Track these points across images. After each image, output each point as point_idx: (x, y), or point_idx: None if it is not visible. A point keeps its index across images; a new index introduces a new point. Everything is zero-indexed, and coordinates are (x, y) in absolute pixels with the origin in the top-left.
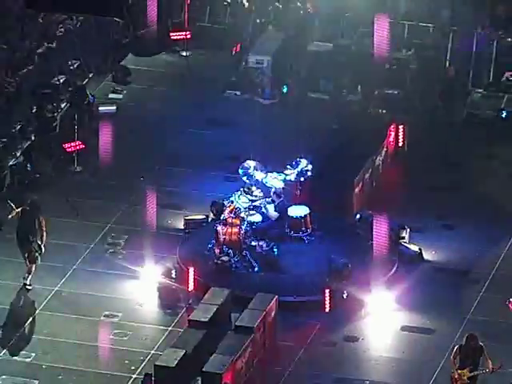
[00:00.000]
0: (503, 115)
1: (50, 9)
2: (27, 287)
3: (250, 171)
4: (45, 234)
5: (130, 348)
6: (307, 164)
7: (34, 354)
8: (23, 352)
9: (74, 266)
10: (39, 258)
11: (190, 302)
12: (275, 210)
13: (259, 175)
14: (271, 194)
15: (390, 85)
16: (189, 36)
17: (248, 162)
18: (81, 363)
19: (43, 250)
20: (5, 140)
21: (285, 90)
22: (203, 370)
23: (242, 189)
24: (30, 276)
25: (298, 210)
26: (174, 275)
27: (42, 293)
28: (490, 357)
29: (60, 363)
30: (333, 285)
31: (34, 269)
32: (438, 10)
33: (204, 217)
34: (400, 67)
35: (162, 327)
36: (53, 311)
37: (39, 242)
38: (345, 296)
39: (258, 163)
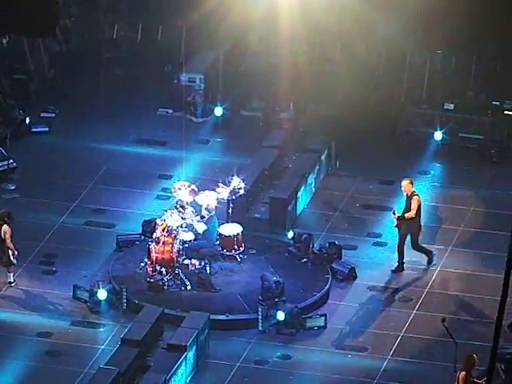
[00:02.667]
0: (438, 138)
1: None
2: (11, 285)
3: (182, 190)
4: (10, 244)
5: (62, 367)
6: (240, 182)
7: None
8: None
9: (6, 285)
10: (13, 259)
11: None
12: (205, 228)
13: (191, 194)
14: (202, 211)
15: (323, 102)
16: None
17: (180, 181)
18: (12, 382)
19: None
20: None
21: (220, 111)
22: None
23: (174, 207)
24: (12, 273)
25: (230, 229)
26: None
27: None
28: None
29: None
30: (266, 303)
31: (12, 269)
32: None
33: (137, 235)
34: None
35: (94, 346)
36: None
37: (7, 254)
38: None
39: (190, 182)
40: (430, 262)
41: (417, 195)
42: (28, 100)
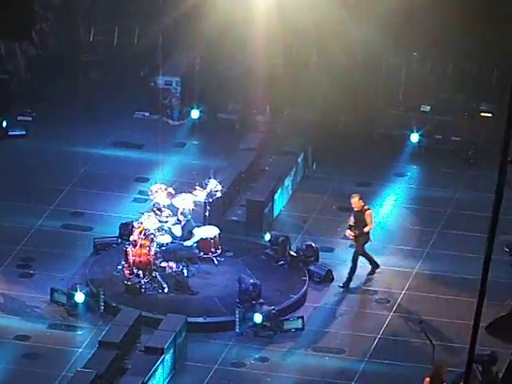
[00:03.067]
0: (414, 140)
1: None
2: None
3: (158, 193)
4: None
5: (40, 370)
6: (216, 185)
7: None
8: None
9: None
10: None
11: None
12: (182, 231)
13: (168, 196)
14: (178, 214)
15: (300, 105)
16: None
17: (157, 183)
18: None
19: None
20: None
21: (197, 114)
22: None
23: (151, 210)
24: None
25: (207, 231)
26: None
27: None
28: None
29: None
30: (243, 305)
31: None
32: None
33: (114, 238)
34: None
35: (72, 348)
36: None
37: None
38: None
39: (166, 185)
40: (373, 271)
41: (369, 209)
42: (5, 103)
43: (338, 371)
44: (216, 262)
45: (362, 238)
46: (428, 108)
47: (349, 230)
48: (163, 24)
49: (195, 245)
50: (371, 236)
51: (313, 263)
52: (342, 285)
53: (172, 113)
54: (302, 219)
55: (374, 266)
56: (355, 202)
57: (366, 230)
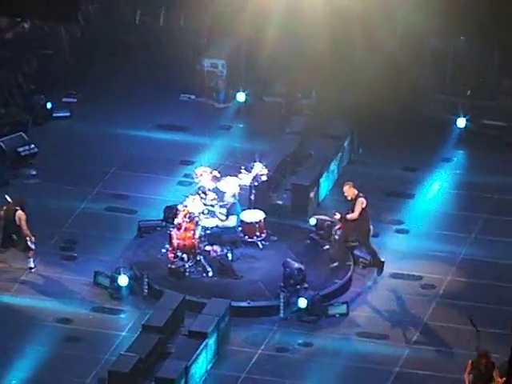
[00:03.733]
0: (461, 125)
1: (5, 13)
2: (32, 270)
3: (203, 176)
4: (26, 230)
5: (83, 353)
6: (262, 168)
7: None
8: None
9: (27, 271)
10: (30, 244)
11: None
12: (227, 215)
13: (213, 180)
14: (224, 197)
15: (345, 89)
16: None
17: (202, 166)
18: (33, 370)
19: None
20: None
21: (243, 97)
22: (157, 375)
23: (196, 193)
24: (31, 259)
25: (252, 215)
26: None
27: None
28: (499, 373)
29: (11, 369)
30: (287, 290)
31: (31, 254)
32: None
33: (158, 221)
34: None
35: (115, 332)
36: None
37: (24, 240)
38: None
39: (211, 168)
40: (373, 263)
41: (361, 197)
42: (49, 85)
43: (381, 357)
44: (261, 247)
45: (349, 226)
46: (473, 92)
47: (334, 214)
48: (209, 7)
49: (239, 228)
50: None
51: (358, 248)
52: (376, 273)
53: (218, 95)
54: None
55: (375, 259)
56: (346, 190)
57: (348, 216)
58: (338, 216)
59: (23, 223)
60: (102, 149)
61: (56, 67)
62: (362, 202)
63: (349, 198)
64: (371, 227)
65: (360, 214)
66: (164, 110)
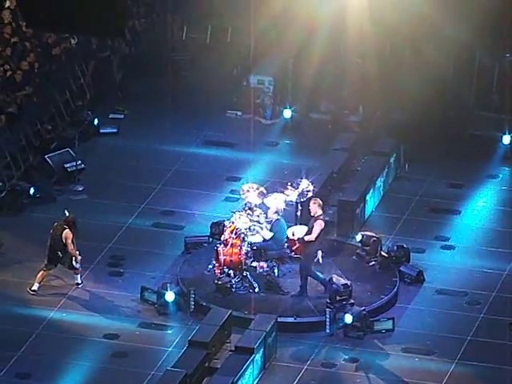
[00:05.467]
0: (506, 142)
1: (53, 28)
2: (79, 286)
3: (250, 192)
4: (71, 249)
5: (129, 369)
6: (308, 184)
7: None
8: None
9: (74, 287)
10: (75, 264)
11: None
12: (271, 230)
13: (259, 196)
14: (270, 214)
15: (392, 105)
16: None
17: (249, 183)
18: (79, 383)
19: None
20: (6, 160)
21: (289, 114)
22: None
23: (242, 209)
24: (79, 275)
25: (298, 231)
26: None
27: (42, 313)
28: None
29: (58, 383)
30: (333, 306)
31: (78, 271)
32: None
33: (204, 237)
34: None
35: (161, 348)
36: (53, 331)
37: (70, 258)
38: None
39: (258, 184)
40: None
41: (321, 219)
42: (97, 101)
43: (427, 372)
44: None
45: (308, 249)
46: None
47: (292, 235)
48: (256, 23)
49: (286, 245)
50: (319, 253)
51: (404, 264)
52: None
53: (264, 112)
54: (394, 220)
55: (325, 285)
56: (311, 205)
57: (306, 238)
58: (294, 236)
59: (69, 242)
60: (148, 165)
61: (104, 83)
62: (320, 225)
63: (312, 214)
64: (319, 253)
65: (318, 236)
66: (211, 126)
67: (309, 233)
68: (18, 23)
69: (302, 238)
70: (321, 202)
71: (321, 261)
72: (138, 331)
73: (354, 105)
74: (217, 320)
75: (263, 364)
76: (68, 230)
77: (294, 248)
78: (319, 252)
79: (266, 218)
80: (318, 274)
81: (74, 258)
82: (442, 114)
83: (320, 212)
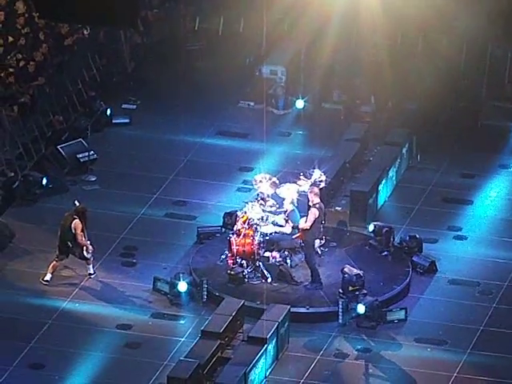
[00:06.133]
0: None
1: (66, 19)
2: (91, 276)
3: (263, 182)
4: (81, 240)
5: (142, 359)
6: (321, 175)
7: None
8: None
9: (87, 277)
10: (86, 254)
11: None
12: (288, 221)
13: (272, 186)
14: (283, 204)
15: (404, 96)
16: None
17: (261, 173)
18: (94, 375)
19: (87, 251)
20: (19, 150)
21: (302, 104)
22: (216, 381)
23: (255, 199)
24: (91, 265)
25: (302, 221)
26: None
27: (55, 303)
28: None
29: (71, 373)
30: (346, 296)
31: (90, 262)
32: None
33: (217, 227)
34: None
35: (174, 338)
36: (66, 321)
37: (81, 248)
38: None
39: (271, 174)
40: (312, 280)
41: (316, 208)
42: (109, 91)
43: (440, 362)
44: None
45: (307, 236)
46: None
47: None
48: (268, 13)
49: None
50: (316, 242)
51: (416, 254)
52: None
53: (277, 102)
54: (406, 210)
55: (314, 275)
56: (308, 194)
57: (300, 226)
58: (288, 227)
59: (78, 232)
60: (161, 155)
61: (116, 74)
62: (314, 213)
63: (310, 204)
64: (316, 241)
65: (312, 224)
66: (223, 116)
67: (305, 222)
68: (31, 14)
69: (297, 226)
70: (317, 191)
71: (319, 251)
72: (150, 321)
73: (366, 95)
74: (229, 310)
75: (276, 354)
76: (77, 220)
77: (294, 237)
78: (317, 241)
79: (279, 208)
80: (316, 266)
81: (85, 248)
82: (454, 105)
83: (317, 200)
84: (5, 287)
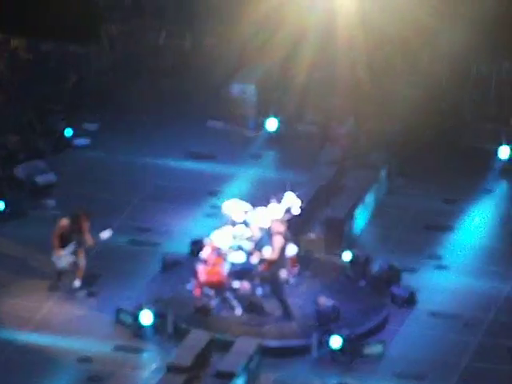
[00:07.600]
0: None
1: (23, 34)
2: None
3: (232, 207)
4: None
5: None
6: (294, 200)
7: None
8: None
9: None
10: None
11: None
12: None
13: (242, 212)
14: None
15: (383, 116)
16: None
17: (231, 197)
18: None
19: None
20: None
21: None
22: None
23: (224, 226)
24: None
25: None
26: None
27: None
28: None
29: None
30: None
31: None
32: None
33: (184, 255)
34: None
35: (139, 372)
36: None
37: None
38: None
39: (240, 199)
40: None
41: (280, 236)
42: (70, 109)
43: None
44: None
45: (272, 267)
46: None
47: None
48: (240, 28)
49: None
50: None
51: (395, 284)
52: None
53: (247, 123)
54: (385, 237)
55: (288, 311)
56: (273, 224)
57: (267, 257)
58: (255, 258)
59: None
60: (124, 178)
61: (78, 91)
62: (279, 242)
63: (273, 232)
64: (282, 271)
65: (278, 254)
66: (190, 137)
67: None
68: None
69: (265, 258)
70: (283, 220)
71: (289, 280)
72: (113, 355)
73: (342, 115)
74: (197, 343)
75: None
76: (64, 219)
77: (260, 269)
78: (283, 270)
79: (249, 235)
80: (286, 298)
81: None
82: (436, 125)
83: (282, 229)
84: None
